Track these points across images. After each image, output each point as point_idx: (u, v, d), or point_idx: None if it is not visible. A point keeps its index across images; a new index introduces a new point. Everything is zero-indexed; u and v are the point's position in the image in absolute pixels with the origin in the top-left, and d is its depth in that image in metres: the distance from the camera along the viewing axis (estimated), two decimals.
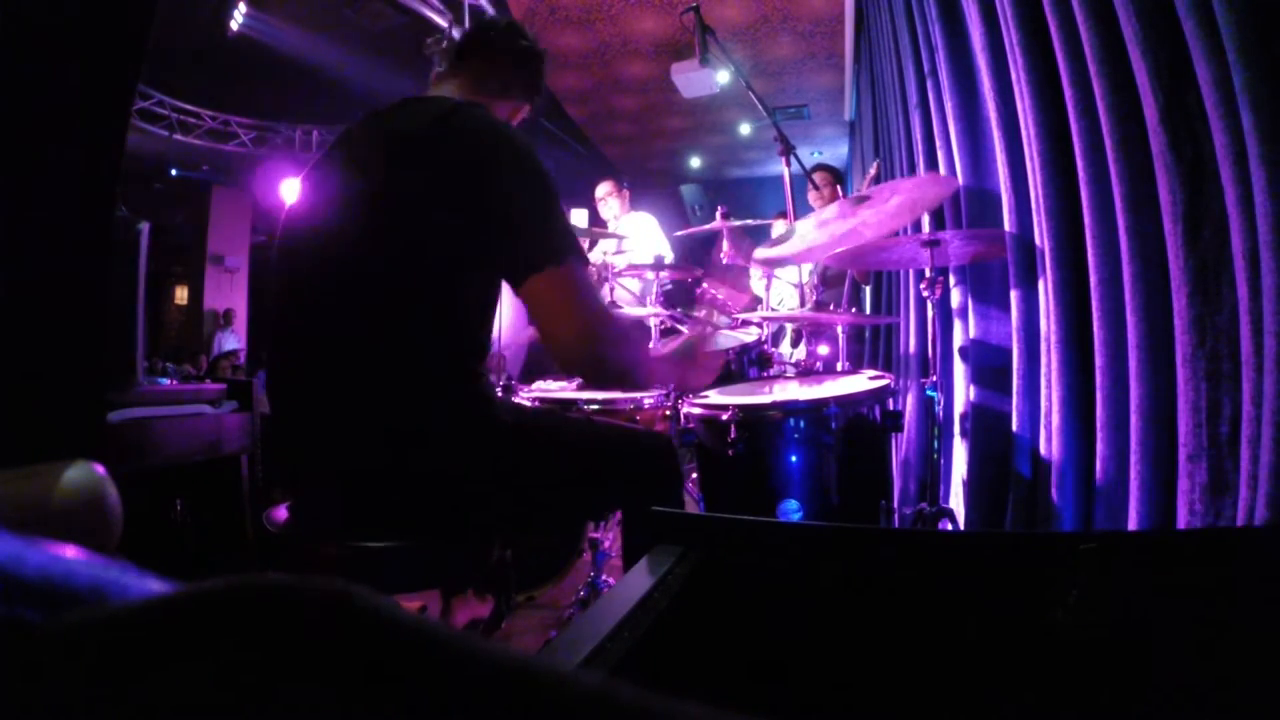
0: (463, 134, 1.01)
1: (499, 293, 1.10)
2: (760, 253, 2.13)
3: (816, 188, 2.93)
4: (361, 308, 0.97)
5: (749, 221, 2.78)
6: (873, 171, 2.72)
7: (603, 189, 3.69)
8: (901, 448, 2.34)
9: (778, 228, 3.74)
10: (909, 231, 2.19)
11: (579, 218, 2.66)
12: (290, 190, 1.14)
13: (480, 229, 0.97)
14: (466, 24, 5.89)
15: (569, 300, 1.01)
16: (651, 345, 1.29)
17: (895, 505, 1.82)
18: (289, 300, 1.06)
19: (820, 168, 3.44)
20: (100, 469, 0.89)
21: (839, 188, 3.41)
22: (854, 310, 3.22)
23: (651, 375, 1.26)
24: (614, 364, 1.07)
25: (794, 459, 1.46)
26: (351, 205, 1.01)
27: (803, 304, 2.73)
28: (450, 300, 0.99)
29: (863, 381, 1.66)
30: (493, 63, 1.23)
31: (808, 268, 3.06)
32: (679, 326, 2.33)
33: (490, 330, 1.11)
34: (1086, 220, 1.19)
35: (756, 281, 3.56)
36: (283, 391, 1.09)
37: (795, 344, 2.83)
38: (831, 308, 2.52)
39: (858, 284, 3.34)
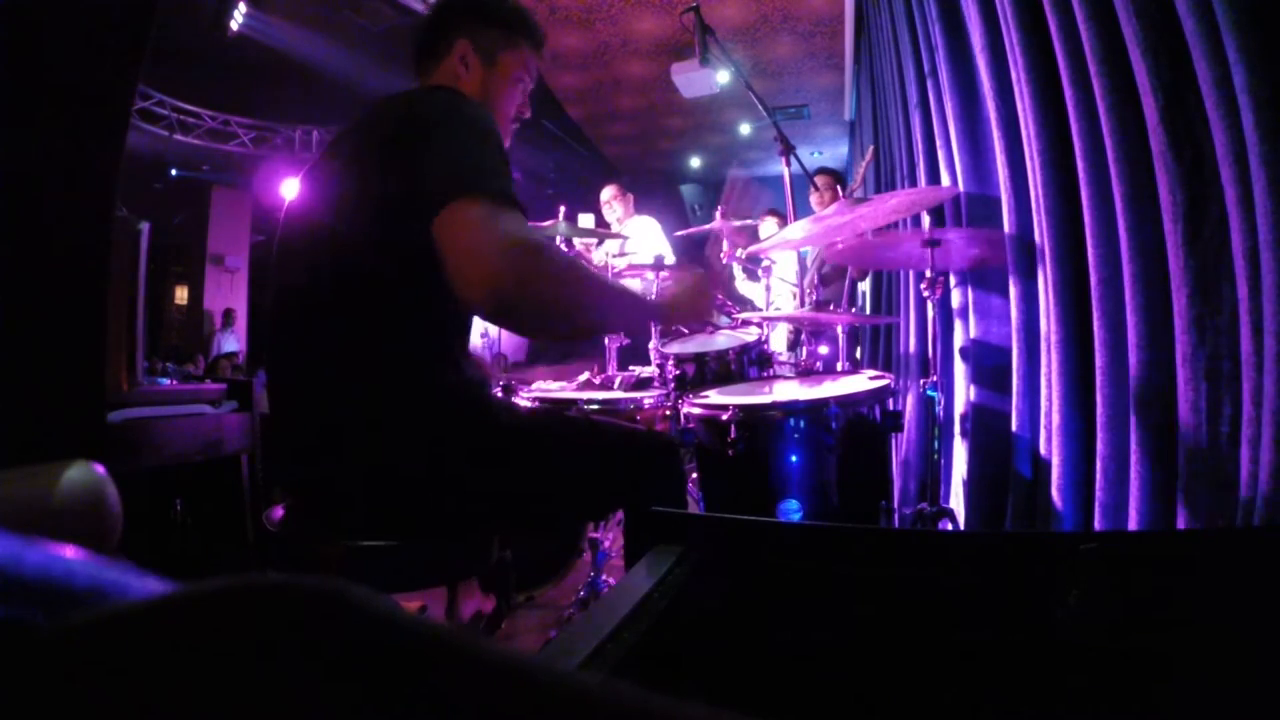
0: (408, 107, 1.00)
1: None
2: (757, 246, 2.13)
3: (818, 189, 2.93)
4: (348, 305, 0.97)
5: (748, 221, 2.78)
6: (868, 157, 2.72)
7: (607, 193, 3.70)
8: (901, 448, 2.34)
9: (766, 227, 3.74)
10: (908, 226, 2.19)
11: (585, 220, 2.65)
12: (289, 191, 1.14)
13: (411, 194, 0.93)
14: None
15: (478, 230, 0.87)
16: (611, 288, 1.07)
17: (895, 505, 1.82)
18: (283, 301, 1.06)
19: (822, 171, 3.45)
20: (100, 469, 0.89)
21: (839, 189, 3.42)
22: (854, 310, 3.23)
23: (603, 317, 1.09)
24: (538, 299, 0.90)
25: (794, 459, 1.46)
26: (332, 204, 1.01)
27: (802, 304, 2.73)
28: (426, 290, 0.96)
29: (863, 381, 1.66)
30: (446, 43, 1.16)
31: (808, 261, 3.07)
32: (681, 327, 2.33)
33: (469, 319, 1.08)
34: (1086, 220, 1.19)
35: (743, 282, 3.56)
36: (280, 391, 1.09)
37: (793, 346, 2.83)
38: (831, 308, 2.52)
39: (855, 281, 3.34)
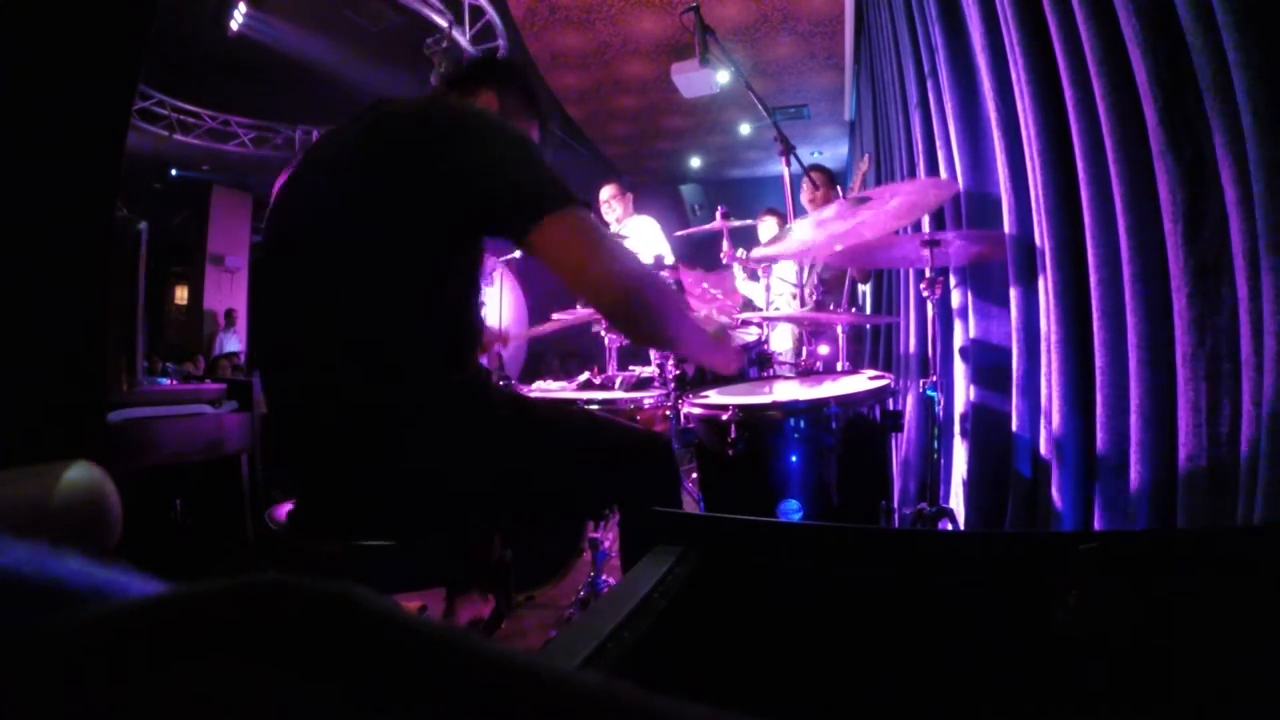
0: (435, 117, 1.02)
1: (479, 275, 1.09)
2: (760, 250, 2.13)
3: (815, 187, 2.90)
4: (353, 305, 0.97)
5: (748, 221, 2.77)
6: (864, 167, 2.70)
7: (607, 192, 3.69)
8: (901, 448, 2.34)
9: (765, 227, 3.73)
10: (909, 231, 2.20)
11: None
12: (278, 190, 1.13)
13: (460, 203, 0.97)
14: (467, 24, 5.89)
15: (586, 241, 0.97)
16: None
17: (895, 505, 1.82)
18: (279, 300, 1.05)
19: (816, 168, 3.42)
20: (100, 469, 0.89)
21: (837, 189, 3.40)
22: (854, 310, 3.22)
23: (687, 334, 1.17)
24: (655, 308, 1.03)
25: (794, 459, 1.46)
26: (342, 205, 1.00)
27: (802, 305, 2.73)
28: (434, 289, 0.99)
29: (863, 381, 1.66)
30: (475, 85, 1.25)
31: (806, 268, 3.06)
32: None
33: (477, 317, 1.10)
34: (1086, 220, 1.19)
35: (743, 282, 3.55)
36: (279, 390, 1.08)
37: (798, 352, 2.82)
38: (831, 308, 2.52)
39: (856, 283, 3.32)
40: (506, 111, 1.25)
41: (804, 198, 3.10)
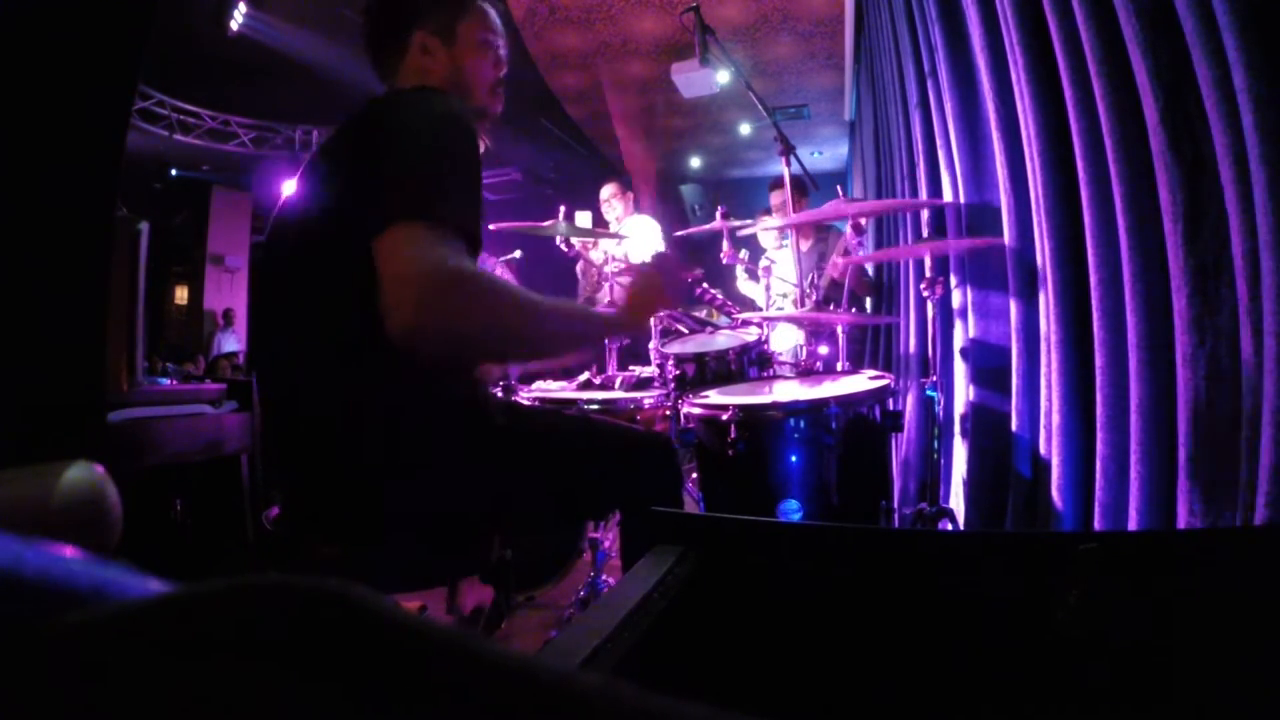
0: (375, 115, 0.99)
1: None
2: (769, 219, 2.11)
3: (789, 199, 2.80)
4: (340, 306, 0.96)
5: (747, 221, 2.77)
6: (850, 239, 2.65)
7: (607, 190, 3.70)
8: (901, 448, 2.34)
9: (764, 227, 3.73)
10: (908, 230, 2.19)
11: (583, 219, 2.65)
12: (287, 191, 1.12)
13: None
14: None
15: (408, 259, 0.83)
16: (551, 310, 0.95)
17: (895, 505, 1.82)
18: (271, 302, 1.05)
19: (779, 184, 3.27)
20: (100, 469, 0.89)
21: (806, 203, 3.37)
22: (854, 310, 3.21)
23: (545, 347, 1.02)
24: (461, 335, 0.86)
25: (794, 459, 1.46)
26: (318, 206, 1.00)
27: (801, 304, 2.72)
28: None
29: (863, 381, 1.66)
30: (403, 41, 1.13)
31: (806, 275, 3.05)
32: (679, 326, 2.33)
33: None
34: (1086, 220, 1.19)
35: (743, 282, 3.55)
36: (271, 395, 1.08)
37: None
38: (831, 307, 2.51)
39: (856, 296, 3.30)
40: (443, 31, 1.12)
41: (775, 208, 3.09)
